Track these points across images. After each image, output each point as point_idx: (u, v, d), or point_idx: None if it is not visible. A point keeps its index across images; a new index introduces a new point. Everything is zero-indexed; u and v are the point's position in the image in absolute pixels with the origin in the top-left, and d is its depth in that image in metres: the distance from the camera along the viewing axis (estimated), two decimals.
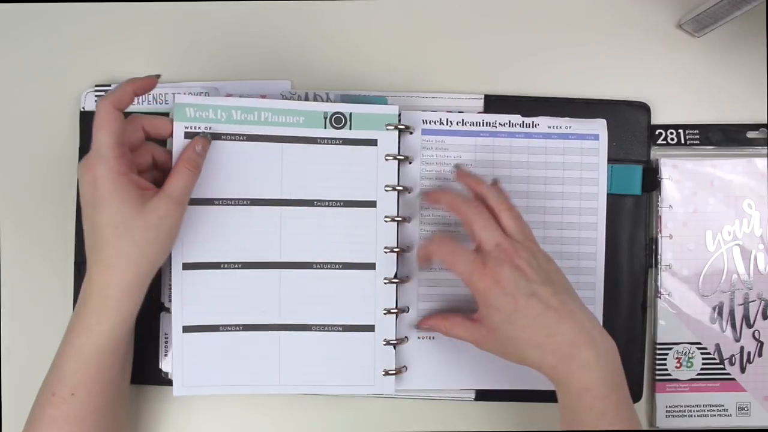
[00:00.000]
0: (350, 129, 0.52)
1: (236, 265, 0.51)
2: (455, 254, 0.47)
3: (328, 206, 0.52)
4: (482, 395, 0.54)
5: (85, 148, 0.54)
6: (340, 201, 0.52)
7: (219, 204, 0.50)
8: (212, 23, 0.56)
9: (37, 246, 0.55)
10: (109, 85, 0.55)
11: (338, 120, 0.51)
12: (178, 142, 0.49)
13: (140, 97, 0.55)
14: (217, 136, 0.50)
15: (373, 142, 0.52)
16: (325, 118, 0.51)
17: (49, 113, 0.56)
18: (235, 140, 0.50)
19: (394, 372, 0.52)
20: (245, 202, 0.51)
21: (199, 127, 0.50)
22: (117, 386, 0.48)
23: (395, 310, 0.52)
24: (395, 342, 0.52)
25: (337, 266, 0.52)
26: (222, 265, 0.50)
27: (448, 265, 0.48)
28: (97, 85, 0.55)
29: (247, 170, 0.51)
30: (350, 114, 0.52)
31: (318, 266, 0.52)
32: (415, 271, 0.53)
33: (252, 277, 0.51)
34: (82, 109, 0.55)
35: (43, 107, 0.56)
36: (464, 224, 0.49)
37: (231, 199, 0.50)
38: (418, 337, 0.53)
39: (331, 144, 0.51)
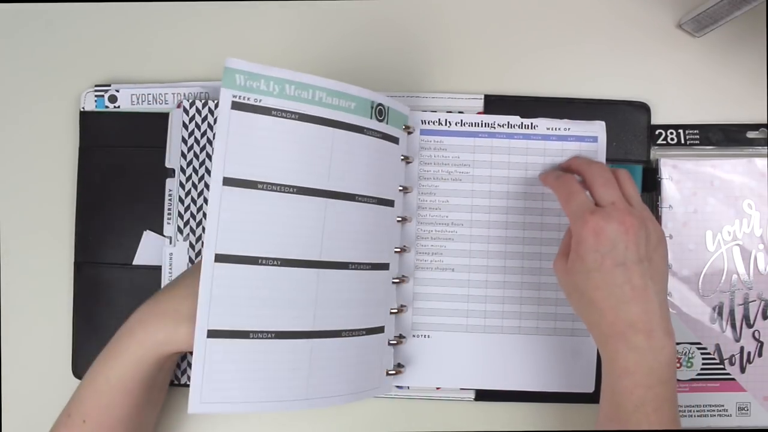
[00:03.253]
0: (387, 123, 0.49)
1: (276, 262, 0.44)
2: (572, 194, 0.47)
3: (366, 202, 0.48)
4: (482, 395, 0.54)
5: (84, 148, 0.55)
6: (374, 198, 0.49)
7: (262, 188, 0.44)
8: (212, 23, 0.56)
9: (37, 246, 0.55)
10: (109, 85, 0.55)
11: (381, 112, 0.48)
12: (224, 113, 0.43)
13: (138, 97, 0.55)
14: (267, 111, 0.44)
15: (397, 140, 0.51)
16: (372, 107, 0.48)
17: (49, 113, 0.56)
18: (286, 118, 0.44)
19: (393, 372, 0.52)
20: (292, 190, 0.44)
21: (248, 98, 0.43)
22: (130, 427, 0.46)
23: (395, 310, 0.52)
24: (395, 342, 0.52)
25: (366, 267, 0.48)
26: (260, 261, 0.44)
27: (562, 201, 0.48)
28: (97, 85, 0.55)
29: (296, 153, 0.45)
30: (388, 108, 0.49)
31: (353, 267, 0.48)
32: (412, 270, 0.53)
33: (290, 276, 0.45)
34: (82, 109, 0.55)
35: (43, 107, 0.56)
36: (586, 183, 0.48)
37: (277, 185, 0.44)
38: (414, 336, 0.53)
39: (374, 136, 0.48)
